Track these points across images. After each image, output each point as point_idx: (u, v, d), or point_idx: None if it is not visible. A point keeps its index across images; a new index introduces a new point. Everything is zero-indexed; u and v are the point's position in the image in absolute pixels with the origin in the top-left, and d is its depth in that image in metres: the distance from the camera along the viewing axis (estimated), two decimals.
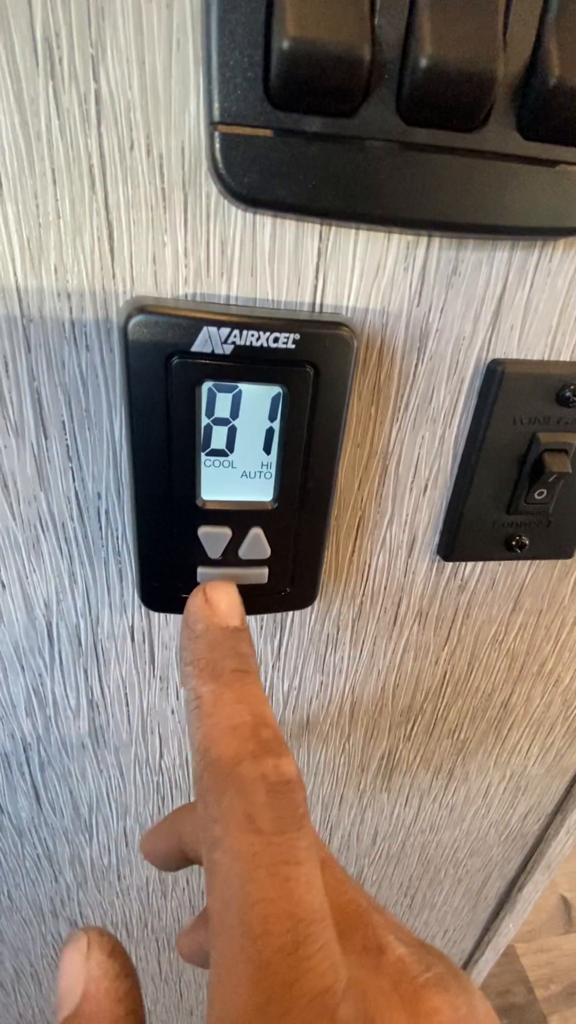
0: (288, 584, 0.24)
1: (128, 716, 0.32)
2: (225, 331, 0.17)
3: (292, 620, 0.30)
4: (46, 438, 0.23)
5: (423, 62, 0.16)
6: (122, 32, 0.17)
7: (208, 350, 0.18)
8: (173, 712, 0.33)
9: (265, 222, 0.20)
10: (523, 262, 0.22)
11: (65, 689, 0.30)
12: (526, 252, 0.22)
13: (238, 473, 0.21)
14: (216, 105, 0.17)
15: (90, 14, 0.16)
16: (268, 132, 0.17)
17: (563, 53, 0.17)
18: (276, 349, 0.18)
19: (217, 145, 0.17)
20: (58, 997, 0.14)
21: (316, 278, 0.21)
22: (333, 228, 0.20)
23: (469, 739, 0.40)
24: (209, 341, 0.17)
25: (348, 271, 0.21)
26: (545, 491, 0.27)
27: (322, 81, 0.16)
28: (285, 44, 0.16)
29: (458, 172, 0.19)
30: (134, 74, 0.17)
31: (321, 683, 0.34)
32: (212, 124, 0.17)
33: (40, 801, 0.35)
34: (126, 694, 0.31)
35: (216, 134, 0.17)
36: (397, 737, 0.38)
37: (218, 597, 0.20)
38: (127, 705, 0.32)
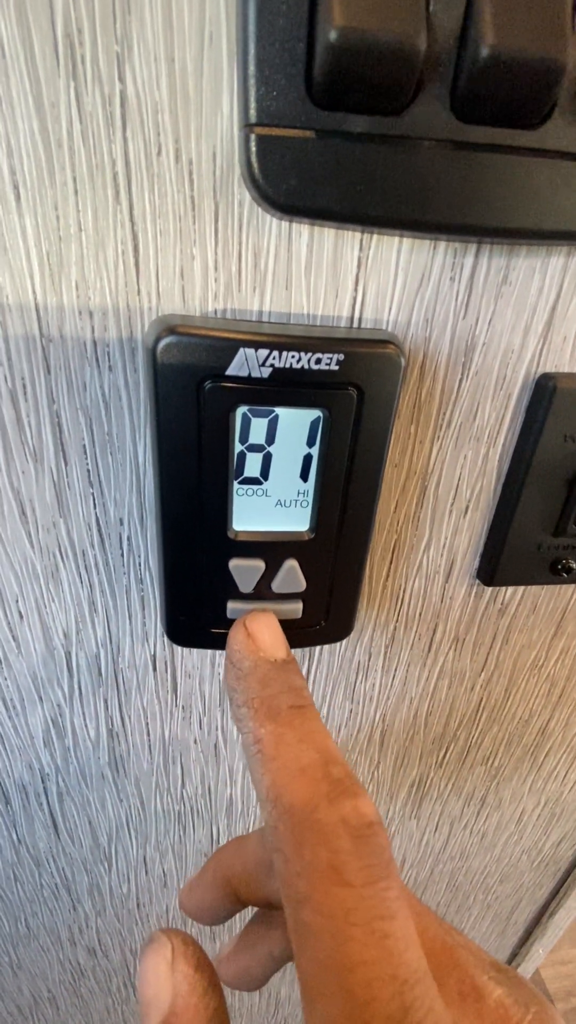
0: (323, 618, 0.22)
1: (149, 746, 0.31)
2: (263, 353, 0.16)
3: (322, 647, 0.29)
4: (66, 463, 0.21)
5: (484, 52, 0.15)
6: (150, 27, 0.15)
7: (244, 373, 0.16)
8: (196, 742, 0.31)
9: (302, 231, 0.18)
10: None
11: (84, 720, 0.29)
12: None
13: (272, 502, 0.19)
14: (252, 105, 0.16)
15: (115, 7, 0.15)
16: (309, 133, 0.16)
17: None
18: (318, 371, 0.16)
19: (253, 148, 0.16)
20: (142, 1004, 0.14)
21: (356, 290, 0.19)
22: (375, 236, 0.19)
23: (504, 766, 0.38)
24: (245, 364, 0.16)
25: (390, 282, 0.20)
26: None
27: (371, 76, 0.15)
28: (332, 35, 0.14)
29: (516, 173, 0.17)
30: (162, 73, 0.16)
31: (350, 711, 0.32)
32: (248, 126, 0.16)
33: (58, 831, 0.34)
34: (147, 724, 0.30)
35: (252, 137, 0.16)
36: (428, 764, 0.36)
37: (260, 630, 0.19)
38: (148, 735, 0.30)
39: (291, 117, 0.16)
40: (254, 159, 0.16)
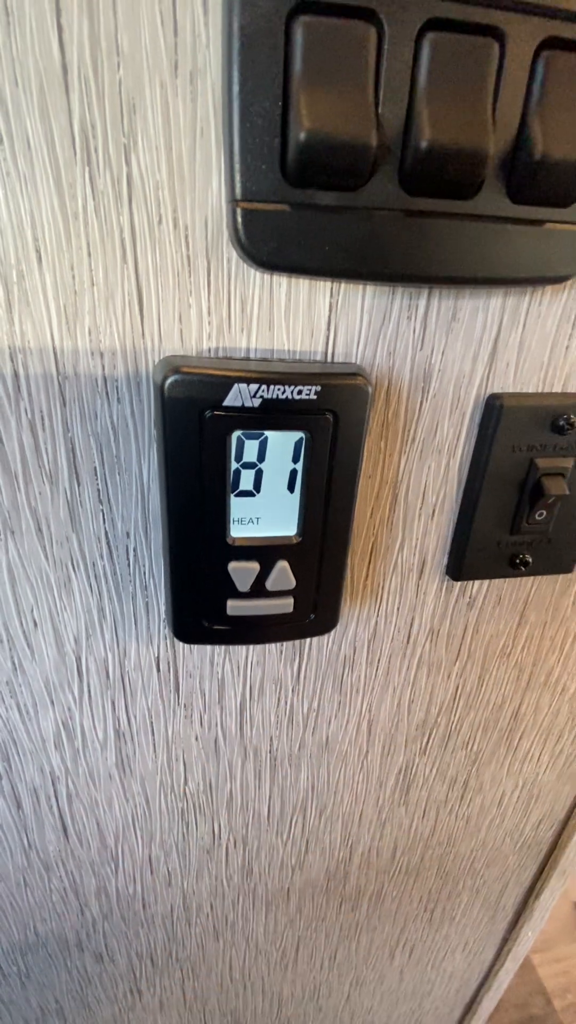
0: (312, 611, 0.25)
1: (154, 745, 0.33)
2: (254, 386, 0.19)
3: (310, 643, 0.32)
4: (79, 484, 0.24)
5: (423, 144, 0.18)
6: (151, 123, 0.19)
7: (239, 404, 0.19)
8: (197, 739, 0.34)
9: (281, 282, 0.22)
10: (515, 307, 0.24)
11: (93, 721, 0.31)
12: (518, 298, 0.24)
13: (265, 511, 0.22)
14: (238, 185, 0.19)
15: (123, 108, 0.18)
16: (285, 207, 0.19)
17: (545, 132, 0.19)
18: (300, 400, 0.20)
19: (239, 219, 0.19)
20: None
21: (328, 330, 0.23)
22: (343, 285, 0.22)
23: (482, 750, 0.41)
24: (240, 396, 0.19)
25: (357, 322, 0.23)
26: (545, 512, 0.29)
27: (334, 164, 0.18)
28: (302, 136, 0.17)
29: (456, 233, 0.21)
30: (162, 159, 0.19)
31: (339, 703, 0.35)
32: (234, 201, 0.19)
33: (67, 833, 0.36)
34: (152, 723, 0.32)
35: (238, 210, 0.19)
36: (413, 751, 0.39)
37: None
38: (153, 734, 0.33)
39: (269, 194, 0.19)
40: (240, 227, 0.19)
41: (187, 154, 0.19)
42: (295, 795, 0.39)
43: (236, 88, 0.18)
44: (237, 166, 0.19)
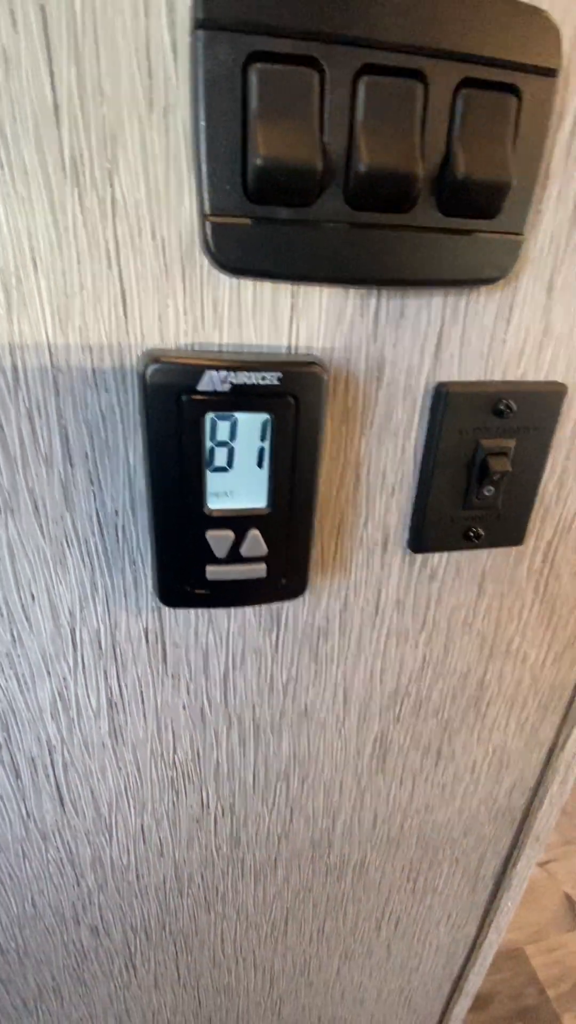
0: (283, 576, 0.28)
1: (144, 714, 0.36)
2: (224, 373, 0.22)
3: (287, 614, 0.35)
4: (72, 466, 0.27)
5: (362, 168, 0.22)
6: (131, 151, 0.22)
7: (211, 389, 0.22)
8: (184, 707, 0.36)
9: (248, 285, 0.25)
10: (455, 305, 0.28)
11: (87, 691, 0.34)
12: (457, 298, 0.28)
13: (237, 485, 0.25)
14: (207, 202, 0.22)
15: (106, 139, 0.21)
16: (247, 221, 0.23)
17: (467, 156, 0.23)
18: (264, 385, 0.23)
19: (208, 231, 0.23)
20: None
21: (291, 326, 0.26)
22: (302, 288, 0.26)
23: (452, 718, 0.44)
24: (212, 381, 0.22)
25: (316, 319, 0.26)
26: (492, 488, 0.32)
27: (287, 184, 0.22)
28: (258, 161, 0.21)
29: (396, 242, 0.24)
30: (141, 181, 0.22)
31: (316, 672, 0.38)
32: (204, 216, 0.23)
33: (63, 802, 0.38)
34: (142, 692, 0.35)
35: (207, 223, 0.22)
36: (387, 720, 0.42)
37: None
38: (143, 703, 0.35)
39: (234, 209, 0.22)
40: (209, 238, 0.23)
41: (162, 177, 0.22)
42: (278, 763, 0.41)
43: (203, 122, 0.21)
44: (205, 186, 0.22)
